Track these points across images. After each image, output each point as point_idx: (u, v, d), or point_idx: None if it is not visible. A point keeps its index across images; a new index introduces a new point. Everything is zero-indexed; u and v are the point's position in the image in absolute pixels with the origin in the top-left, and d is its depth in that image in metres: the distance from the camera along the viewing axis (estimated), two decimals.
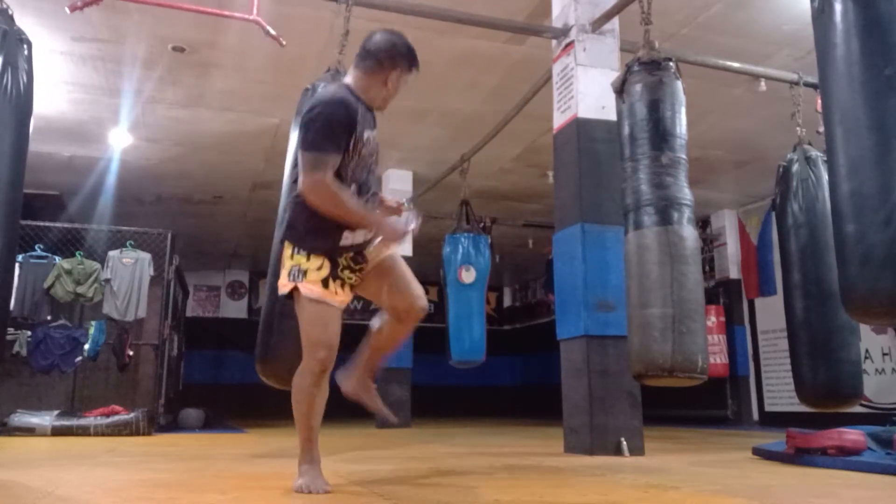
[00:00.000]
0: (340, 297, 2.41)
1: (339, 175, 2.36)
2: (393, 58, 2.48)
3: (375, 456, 4.12)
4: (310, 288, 2.36)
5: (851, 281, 2.54)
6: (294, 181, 2.49)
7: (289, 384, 2.56)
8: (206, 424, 7.85)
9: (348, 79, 2.51)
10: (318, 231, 2.38)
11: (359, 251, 2.46)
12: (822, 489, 2.57)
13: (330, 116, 2.32)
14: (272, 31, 4.05)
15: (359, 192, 2.42)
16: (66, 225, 7.37)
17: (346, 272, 2.43)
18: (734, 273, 9.52)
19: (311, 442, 2.46)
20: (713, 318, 8.94)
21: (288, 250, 2.43)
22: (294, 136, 2.77)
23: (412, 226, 2.41)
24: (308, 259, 2.38)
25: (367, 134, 2.41)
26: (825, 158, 3.40)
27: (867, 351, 7.41)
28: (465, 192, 7.09)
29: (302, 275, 2.37)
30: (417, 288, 2.54)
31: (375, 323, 2.63)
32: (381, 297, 2.56)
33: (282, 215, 2.58)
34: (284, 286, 2.41)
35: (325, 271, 2.38)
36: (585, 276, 4.09)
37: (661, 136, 3.46)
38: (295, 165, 2.51)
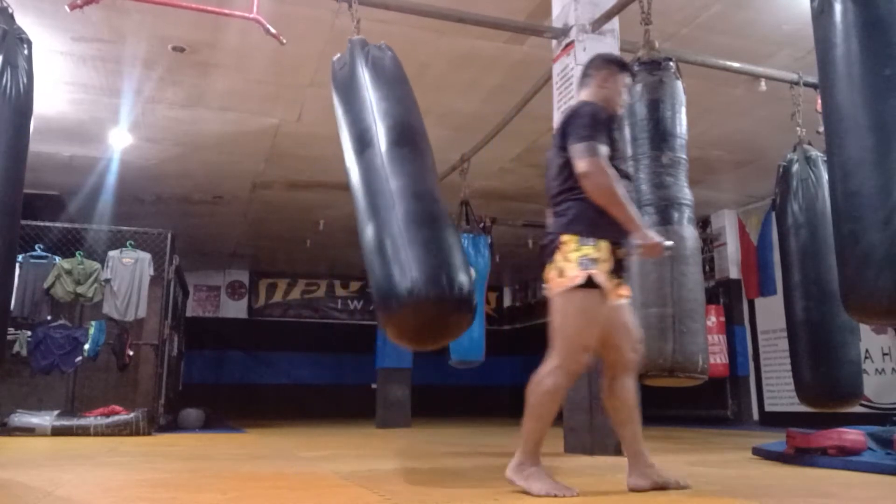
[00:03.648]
0: (614, 293, 2.44)
1: None
2: (604, 62, 2.69)
3: (375, 456, 4.12)
4: (600, 276, 2.37)
5: (851, 281, 2.54)
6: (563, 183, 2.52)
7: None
8: (206, 424, 7.85)
9: (582, 95, 2.67)
10: (605, 218, 2.41)
11: (620, 265, 2.48)
12: (822, 489, 2.57)
13: (592, 113, 2.47)
14: (272, 30, 4.05)
15: None
16: (66, 225, 7.37)
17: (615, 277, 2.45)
18: (734, 273, 9.51)
19: (541, 444, 2.43)
20: (713, 318, 8.93)
21: (571, 244, 2.41)
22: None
23: (668, 245, 2.46)
24: (596, 248, 2.40)
25: (617, 135, 2.54)
26: (825, 158, 3.39)
27: (867, 351, 7.41)
28: (465, 192, 7.09)
29: (592, 263, 2.38)
30: (635, 338, 2.55)
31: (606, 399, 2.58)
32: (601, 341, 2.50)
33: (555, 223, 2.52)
34: (574, 278, 2.37)
35: (610, 264, 2.40)
36: None
37: (661, 136, 3.47)
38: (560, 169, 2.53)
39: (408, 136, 2.99)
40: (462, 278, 2.65)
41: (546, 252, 2.49)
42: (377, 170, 2.87)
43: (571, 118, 2.51)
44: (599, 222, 2.41)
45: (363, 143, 2.99)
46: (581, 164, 2.37)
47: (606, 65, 2.68)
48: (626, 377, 2.52)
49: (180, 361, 9.71)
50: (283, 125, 6.94)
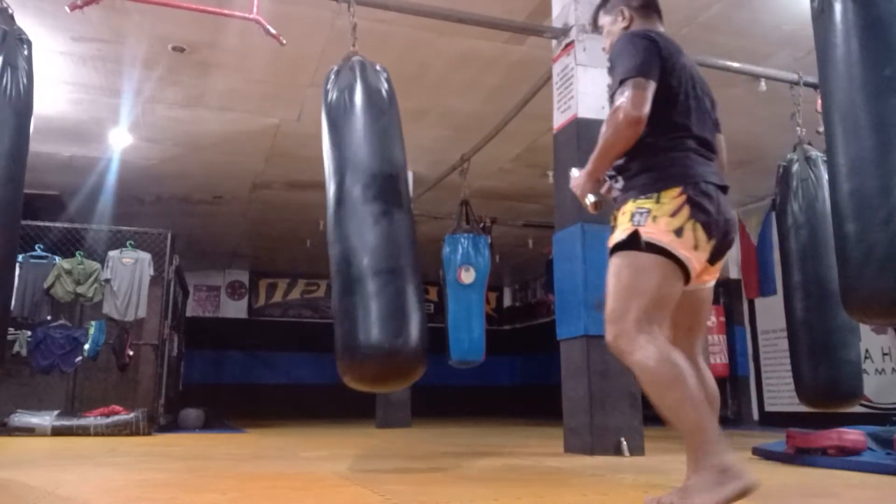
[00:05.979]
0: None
1: (666, 121, 2.09)
2: None
3: (375, 456, 4.12)
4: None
5: (851, 281, 2.54)
6: None
7: None
8: (206, 424, 7.85)
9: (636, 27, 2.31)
10: None
11: None
12: (822, 489, 2.57)
13: (638, 43, 2.12)
14: (272, 30, 4.05)
15: (703, 149, 2.09)
16: (66, 225, 7.38)
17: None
18: (734, 273, 9.51)
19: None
20: (713, 318, 8.94)
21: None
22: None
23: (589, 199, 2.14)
24: None
25: (686, 61, 2.12)
26: (825, 158, 3.39)
27: (867, 351, 7.41)
28: (465, 192, 7.09)
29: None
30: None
31: None
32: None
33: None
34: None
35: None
36: (585, 276, 4.09)
37: None
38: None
39: (381, 191, 3.13)
40: (413, 334, 2.90)
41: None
42: (347, 231, 3.09)
43: (617, 45, 2.28)
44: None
45: (338, 198, 3.17)
46: (621, 105, 2.22)
47: None
48: None
49: (180, 361, 9.71)
50: (283, 125, 6.94)
